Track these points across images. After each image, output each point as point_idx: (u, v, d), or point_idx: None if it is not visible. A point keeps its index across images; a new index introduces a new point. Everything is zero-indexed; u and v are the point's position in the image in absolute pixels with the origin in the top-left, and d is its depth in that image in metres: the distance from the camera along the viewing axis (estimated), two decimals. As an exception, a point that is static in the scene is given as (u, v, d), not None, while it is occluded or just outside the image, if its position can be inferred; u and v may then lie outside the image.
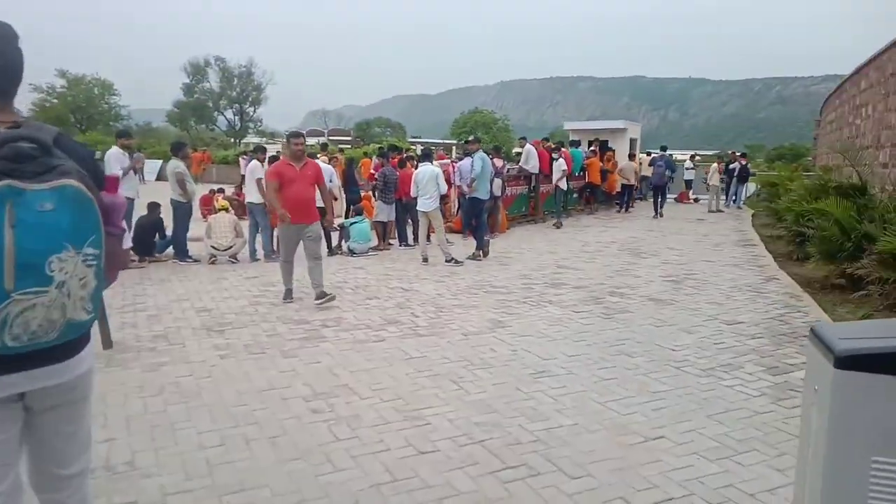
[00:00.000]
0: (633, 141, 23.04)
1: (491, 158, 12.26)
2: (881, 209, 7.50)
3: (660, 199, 17.47)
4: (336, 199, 11.53)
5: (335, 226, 7.31)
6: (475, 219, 10.11)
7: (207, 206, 14.82)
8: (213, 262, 9.52)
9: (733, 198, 20.29)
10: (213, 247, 9.56)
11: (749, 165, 20.44)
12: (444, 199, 11.01)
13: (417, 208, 9.60)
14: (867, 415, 1.81)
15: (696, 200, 22.18)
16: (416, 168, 10.58)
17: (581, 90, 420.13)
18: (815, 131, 33.88)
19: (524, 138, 15.98)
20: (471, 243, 10.51)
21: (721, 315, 6.30)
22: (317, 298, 6.58)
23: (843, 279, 7.79)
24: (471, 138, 11.14)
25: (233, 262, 9.62)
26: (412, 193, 9.71)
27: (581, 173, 17.87)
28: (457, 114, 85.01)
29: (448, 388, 4.31)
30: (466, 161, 10.55)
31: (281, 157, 7.42)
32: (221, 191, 16.07)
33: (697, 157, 29.72)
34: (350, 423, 3.73)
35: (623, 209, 18.70)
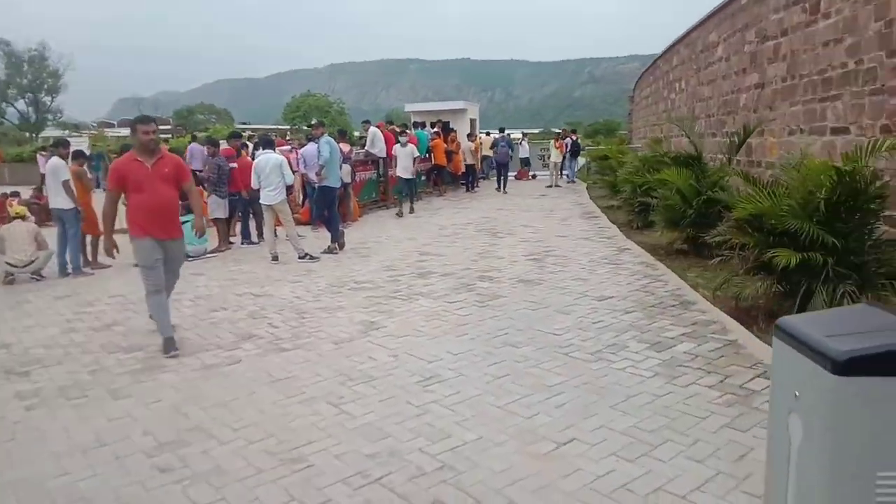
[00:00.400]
0: (472, 121, 23.35)
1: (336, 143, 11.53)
2: (714, 175, 8.01)
3: (503, 177, 17.87)
4: None
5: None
6: (327, 209, 9.37)
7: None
8: (9, 282, 7.85)
9: (566, 172, 21.34)
10: (8, 263, 7.87)
11: (579, 140, 21.56)
12: (288, 189, 10.11)
13: (261, 202, 8.65)
14: (872, 425, 1.54)
15: (533, 177, 23.06)
16: (252, 157, 9.58)
17: (412, 72, 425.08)
18: (629, 107, 37.08)
19: (368, 121, 15.35)
20: (322, 236, 9.77)
21: (590, 291, 6.28)
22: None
23: (687, 244, 8.26)
24: (314, 122, 10.30)
25: (36, 280, 8.01)
26: (253, 185, 8.72)
27: (427, 155, 17.67)
28: (287, 98, 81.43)
29: (327, 413, 3.70)
30: (311, 147, 9.76)
31: (129, 152, 5.22)
32: (16, 194, 13.61)
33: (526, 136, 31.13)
34: (212, 480, 2.99)
35: (470, 189, 18.85)
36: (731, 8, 12.70)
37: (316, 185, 9.22)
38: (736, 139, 8.17)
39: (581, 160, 22.30)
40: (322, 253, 8.83)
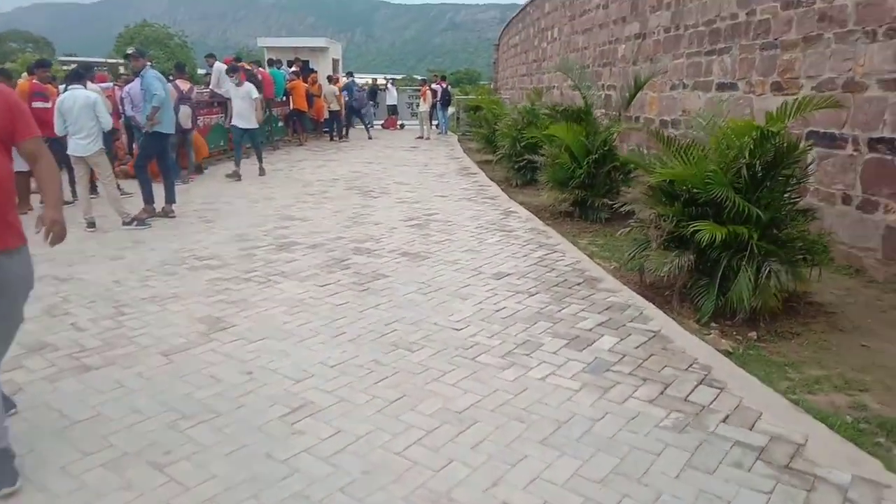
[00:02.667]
0: (335, 62, 21.51)
1: (172, 80, 9.60)
2: (605, 132, 7.42)
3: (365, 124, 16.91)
4: None
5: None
6: (159, 161, 7.62)
7: None
8: None
9: (436, 123, 20.39)
10: None
11: (449, 88, 20.62)
12: (111, 135, 8.16)
13: (69, 152, 6.76)
14: None
15: (402, 126, 21.87)
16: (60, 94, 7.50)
17: (265, 7, 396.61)
18: (493, 56, 36.62)
19: (212, 55, 13.21)
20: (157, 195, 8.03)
21: (484, 267, 5.42)
22: None
23: (574, 207, 7.70)
24: (131, 50, 8.24)
25: None
26: (57, 131, 6.76)
27: (284, 98, 15.83)
28: (121, 28, 71.97)
29: (142, 485, 2.50)
30: (137, 83, 7.86)
31: None
32: None
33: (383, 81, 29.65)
34: None
35: (335, 138, 17.31)
36: (609, -48, 12.15)
37: (144, 131, 7.35)
38: (627, 93, 7.62)
39: (451, 109, 21.42)
40: (154, 218, 7.18)
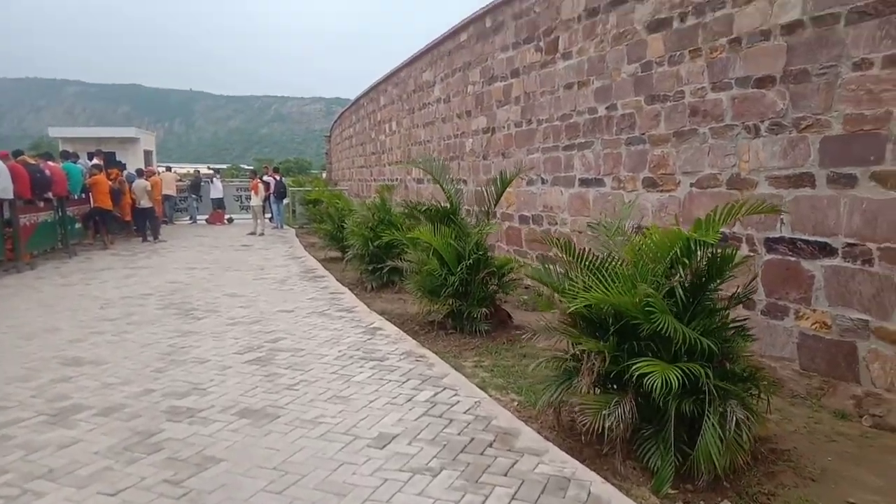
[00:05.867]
0: (147, 153, 19.23)
1: None
2: (477, 234, 6.55)
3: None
4: None
5: None
6: None
7: None
8: None
9: (270, 216, 18.78)
10: None
11: (284, 180, 19.23)
12: None
13: None
14: None
15: (230, 220, 19.88)
16: None
17: (69, 95, 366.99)
18: (325, 147, 36.06)
19: (-20, 148, 10.67)
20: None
21: (360, 426, 4.02)
22: None
23: (449, 317, 6.64)
24: None
25: None
26: None
27: (83, 195, 13.39)
28: None
29: None
30: None
31: None
32: None
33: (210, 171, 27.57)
34: None
35: (149, 239, 14.94)
36: (446, 46, 11.96)
37: None
38: (493, 188, 6.88)
39: (286, 201, 19.97)
40: None
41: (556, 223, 8.15)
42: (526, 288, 7.87)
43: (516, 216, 9.17)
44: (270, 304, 7.87)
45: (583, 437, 3.63)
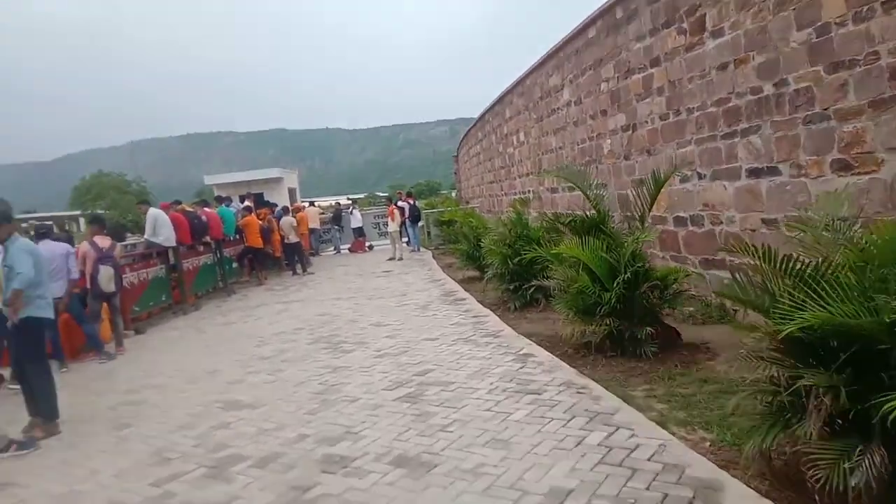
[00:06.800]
0: (291, 191, 20.32)
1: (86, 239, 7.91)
2: (631, 244, 5.84)
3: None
4: None
5: None
6: (30, 356, 5.30)
7: None
8: None
9: (406, 240, 19.01)
10: None
11: (418, 204, 19.43)
12: None
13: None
14: None
15: (370, 248, 20.41)
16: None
17: (224, 145, 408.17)
18: (454, 167, 36.37)
19: (145, 202, 11.69)
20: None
21: (526, 480, 3.50)
22: None
23: (608, 339, 5.97)
24: None
25: None
26: None
27: (237, 236, 14.27)
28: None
29: None
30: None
31: None
32: None
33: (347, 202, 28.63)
34: None
35: (299, 272, 15.63)
36: (573, 45, 11.30)
37: (10, 323, 5.30)
38: (644, 189, 6.14)
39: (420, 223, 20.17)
40: (30, 435, 5.10)
41: (722, 222, 7.17)
42: (691, 297, 6.98)
43: (670, 218, 8.26)
44: (415, 332, 7.64)
45: (816, 497, 2.85)
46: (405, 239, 18.79)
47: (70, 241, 8.94)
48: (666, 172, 6.20)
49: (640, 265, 5.75)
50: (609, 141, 10.07)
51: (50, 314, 5.27)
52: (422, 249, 18.61)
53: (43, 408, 5.13)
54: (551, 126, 13.01)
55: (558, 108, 12.45)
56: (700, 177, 7.53)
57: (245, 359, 7.28)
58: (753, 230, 6.58)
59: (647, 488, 3.24)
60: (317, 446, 4.33)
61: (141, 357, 8.08)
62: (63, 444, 4.97)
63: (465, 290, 10.59)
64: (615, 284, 5.63)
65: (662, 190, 7.87)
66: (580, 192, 11.32)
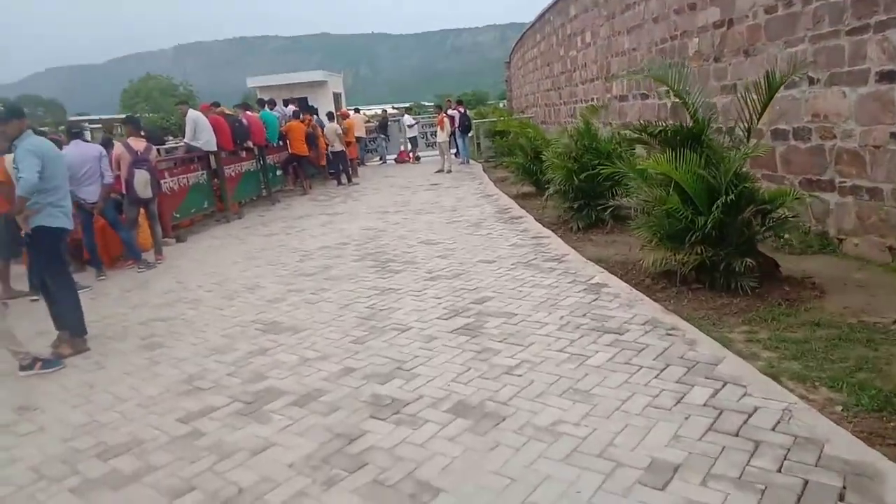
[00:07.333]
0: (336, 96, 19.37)
1: (105, 142, 7.38)
2: (734, 161, 4.89)
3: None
4: None
5: None
6: (49, 266, 4.82)
7: None
8: None
9: (455, 152, 18.05)
10: None
11: (469, 114, 18.28)
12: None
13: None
14: None
15: (417, 159, 19.56)
16: None
17: (270, 50, 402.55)
18: (505, 74, 34.44)
19: (184, 102, 11.06)
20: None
21: (624, 454, 2.86)
22: None
23: (694, 271, 5.16)
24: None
25: None
26: None
27: (280, 142, 13.62)
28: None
29: None
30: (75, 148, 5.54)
31: None
32: None
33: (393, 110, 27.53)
34: None
35: (344, 182, 15.01)
36: (659, -73, 9.75)
37: (23, 232, 4.73)
38: (756, 96, 5.10)
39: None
40: (57, 352, 4.72)
41: (835, 136, 6.08)
42: (794, 224, 6.02)
43: (767, 131, 7.15)
44: (469, 253, 6.97)
45: None
46: (454, 150, 17.84)
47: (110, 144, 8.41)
48: (782, 74, 5.11)
49: (745, 185, 4.83)
50: (696, 40, 8.76)
51: (65, 224, 4.73)
52: (471, 162, 17.67)
53: (68, 322, 4.72)
54: (624, 24, 11.59)
55: (634, 3, 11.00)
56: (812, 82, 6.36)
57: (287, 274, 6.78)
58: (877, 146, 5.52)
59: (780, 470, 2.55)
60: (364, 383, 3.78)
61: (179, 266, 7.69)
62: (90, 364, 4.57)
63: (521, 206, 9.79)
64: (715, 207, 4.75)
65: (756, 98, 6.79)
66: (655, 101, 10.14)
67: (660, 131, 5.35)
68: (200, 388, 3.95)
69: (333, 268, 6.88)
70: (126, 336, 5.13)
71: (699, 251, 4.96)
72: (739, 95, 5.90)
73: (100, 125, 27.76)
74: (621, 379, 3.50)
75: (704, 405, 3.13)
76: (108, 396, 3.94)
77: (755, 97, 5.14)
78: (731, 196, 4.72)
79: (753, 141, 5.59)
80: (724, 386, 3.31)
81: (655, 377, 3.49)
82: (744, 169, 5.01)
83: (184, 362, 4.41)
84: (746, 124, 5.17)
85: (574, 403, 3.27)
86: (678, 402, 3.19)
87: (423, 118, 22.16)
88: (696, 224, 4.93)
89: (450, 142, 16.80)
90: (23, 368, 4.40)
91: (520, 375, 3.67)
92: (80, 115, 65.84)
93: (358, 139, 17.97)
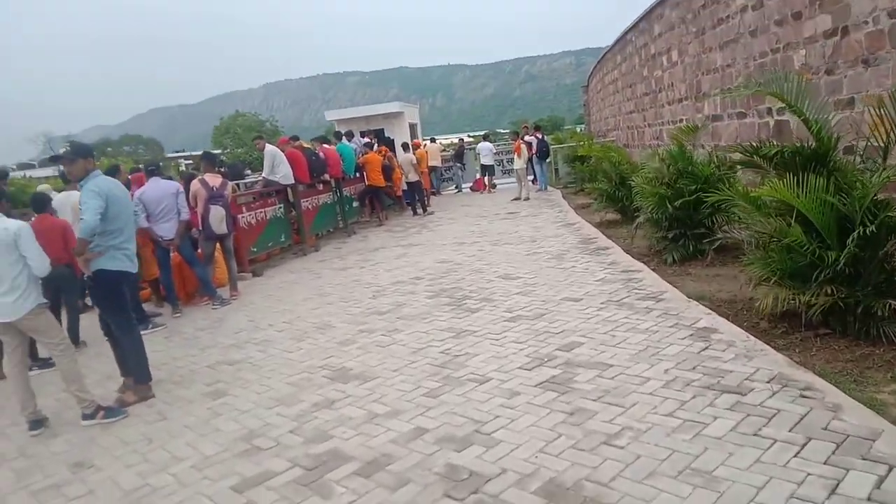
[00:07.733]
0: (412, 126, 19.32)
1: (187, 178, 7.37)
2: (872, 186, 4.13)
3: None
4: None
5: None
6: (114, 315, 4.69)
7: None
8: None
9: (532, 178, 17.50)
10: None
11: (546, 139, 17.74)
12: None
13: None
14: None
15: (493, 187, 19.14)
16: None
17: (350, 85, 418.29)
18: (583, 98, 33.74)
19: (260, 137, 11.15)
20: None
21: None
22: None
23: (822, 314, 4.39)
24: (63, 150, 5.29)
25: None
26: None
27: (357, 174, 13.58)
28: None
29: None
30: (154, 186, 5.51)
31: None
32: None
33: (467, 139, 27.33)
34: None
35: (419, 212, 14.79)
36: (755, -67, 9.01)
37: (85, 276, 4.58)
38: (887, 109, 4.33)
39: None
40: (122, 398, 4.52)
41: None
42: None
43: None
44: (552, 290, 6.40)
45: None
46: (531, 177, 17.32)
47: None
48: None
49: (888, 215, 4.06)
50: (803, 51, 7.91)
51: (128, 267, 4.57)
52: (549, 189, 17.08)
53: (132, 368, 4.54)
54: (717, 39, 10.79)
55: (728, 17, 10.21)
56: (956, 91, 5.45)
57: (358, 312, 6.45)
58: None
59: None
60: (437, 449, 3.30)
61: (253, 303, 7.55)
62: (152, 413, 4.34)
63: (607, 236, 9.12)
64: (850, 241, 4.01)
65: (873, 110, 5.93)
66: (754, 119, 9.26)
67: (776, 153, 4.65)
68: (260, 447, 3.59)
69: (406, 305, 6.50)
70: (192, 382, 4.90)
71: (829, 291, 4.20)
72: (869, 110, 5.10)
73: (191, 161, 29.19)
74: (752, 457, 2.84)
75: (869, 500, 2.44)
76: (164, 454, 3.66)
77: (893, 110, 4.37)
78: (871, 227, 3.96)
79: (891, 162, 4.80)
80: (890, 472, 2.60)
81: (796, 455, 2.81)
82: (880, 195, 4.22)
83: (245, 415, 4.10)
84: (882, 142, 4.40)
85: (694, 489, 2.65)
86: (832, 491, 2.51)
87: (498, 145, 21.77)
88: (826, 260, 4.19)
89: (527, 168, 16.31)
90: (86, 417, 4.23)
91: (622, 447, 3.08)
92: (176, 151, 70.08)
93: (433, 168, 17.81)
